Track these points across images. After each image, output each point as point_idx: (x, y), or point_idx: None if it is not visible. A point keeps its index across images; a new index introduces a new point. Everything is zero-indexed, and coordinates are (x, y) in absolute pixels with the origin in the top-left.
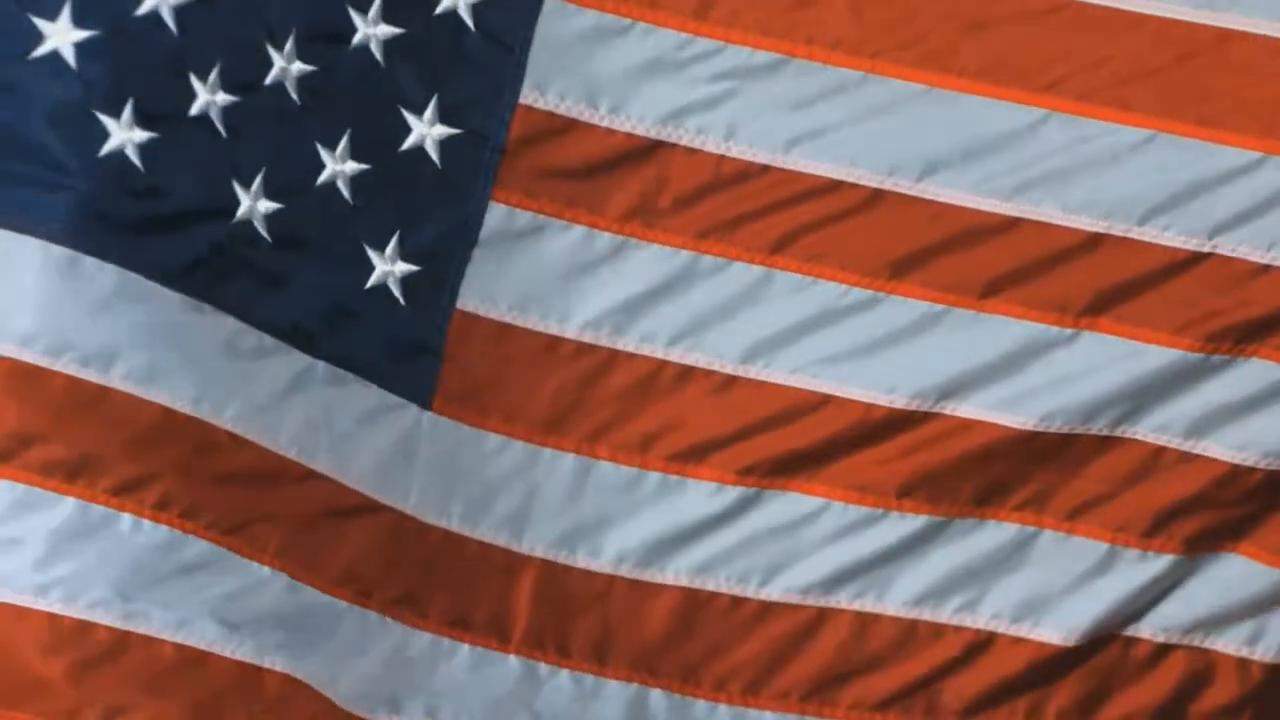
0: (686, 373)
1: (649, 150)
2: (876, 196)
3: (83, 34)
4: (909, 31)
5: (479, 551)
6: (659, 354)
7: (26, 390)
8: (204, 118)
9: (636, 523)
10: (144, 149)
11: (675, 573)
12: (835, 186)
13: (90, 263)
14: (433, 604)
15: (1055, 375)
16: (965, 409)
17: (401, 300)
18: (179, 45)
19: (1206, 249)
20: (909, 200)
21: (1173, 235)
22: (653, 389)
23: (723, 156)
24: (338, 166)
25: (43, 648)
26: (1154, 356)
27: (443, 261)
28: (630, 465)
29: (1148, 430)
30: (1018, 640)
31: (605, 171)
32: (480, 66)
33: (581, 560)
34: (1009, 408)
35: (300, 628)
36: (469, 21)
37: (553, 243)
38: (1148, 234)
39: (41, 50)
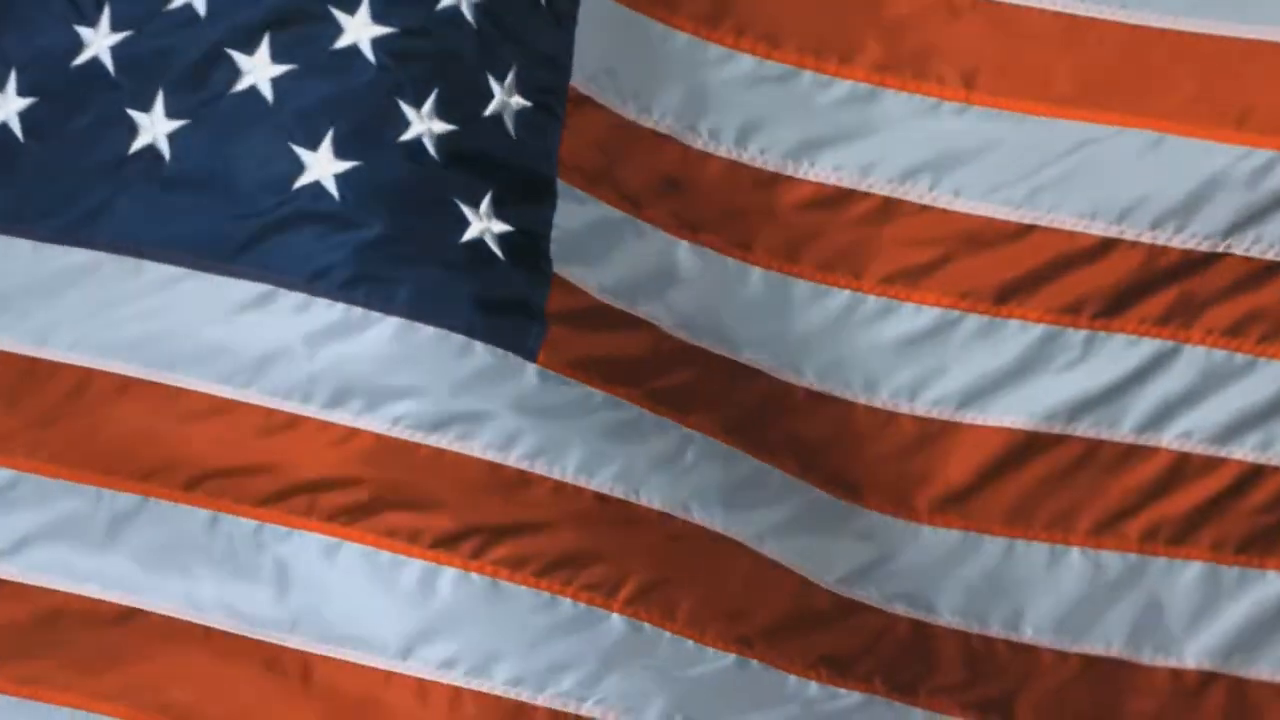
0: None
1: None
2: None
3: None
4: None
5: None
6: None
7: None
8: (251, 90)
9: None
10: (173, 136)
11: None
12: (846, 195)
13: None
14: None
15: (1070, 378)
16: (983, 417)
17: (501, 256)
18: (212, 33)
19: (1220, 249)
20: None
21: (1186, 238)
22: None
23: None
24: (423, 125)
25: None
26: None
27: (533, 226)
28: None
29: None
30: None
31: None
32: (548, 40)
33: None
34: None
35: None
36: None
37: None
38: (1160, 237)
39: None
